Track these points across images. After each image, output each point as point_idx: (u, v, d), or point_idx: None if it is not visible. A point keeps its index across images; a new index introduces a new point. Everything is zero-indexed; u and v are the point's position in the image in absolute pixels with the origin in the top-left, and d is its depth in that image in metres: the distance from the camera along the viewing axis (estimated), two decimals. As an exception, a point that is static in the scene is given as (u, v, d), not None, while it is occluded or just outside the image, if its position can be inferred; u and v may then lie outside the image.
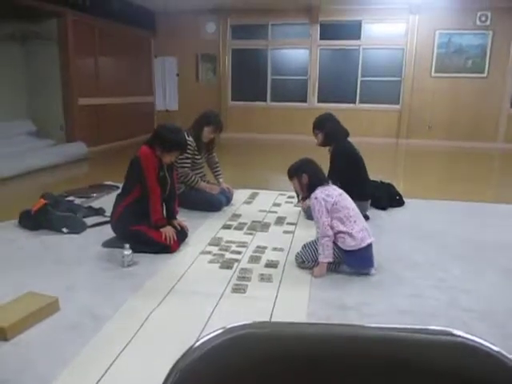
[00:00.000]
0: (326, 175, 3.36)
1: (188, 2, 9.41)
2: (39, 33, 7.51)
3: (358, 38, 9.98)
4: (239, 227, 3.95)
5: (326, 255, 2.88)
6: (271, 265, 3.12)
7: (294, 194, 3.50)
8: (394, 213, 4.47)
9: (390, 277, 2.95)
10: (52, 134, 7.78)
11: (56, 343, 2.12)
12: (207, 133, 4.35)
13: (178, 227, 3.48)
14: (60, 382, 1.83)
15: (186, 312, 2.45)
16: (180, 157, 3.92)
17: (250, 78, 10.82)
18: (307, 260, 3.02)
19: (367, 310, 2.50)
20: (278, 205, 4.73)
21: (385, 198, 4.59)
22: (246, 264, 3.13)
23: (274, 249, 3.43)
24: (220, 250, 3.40)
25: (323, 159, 3.82)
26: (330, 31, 10.09)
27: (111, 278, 2.87)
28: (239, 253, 3.33)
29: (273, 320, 2.35)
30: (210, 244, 3.51)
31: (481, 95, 9.60)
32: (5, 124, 7.15)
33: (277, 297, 2.65)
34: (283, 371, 0.67)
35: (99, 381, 1.84)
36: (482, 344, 0.64)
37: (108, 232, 3.48)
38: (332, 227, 2.92)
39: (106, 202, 4.33)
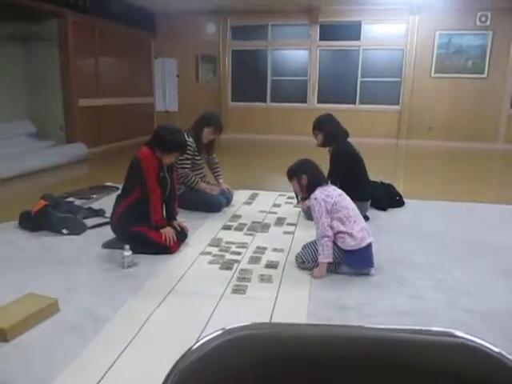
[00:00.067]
0: (326, 176, 3.36)
1: (188, 3, 9.42)
2: (39, 33, 7.51)
3: (358, 38, 9.99)
4: (239, 228, 3.95)
5: (325, 255, 2.88)
6: (271, 265, 3.11)
7: (293, 194, 3.49)
8: (394, 213, 4.47)
9: (390, 277, 2.94)
10: (52, 135, 7.79)
11: (56, 344, 2.11)
12: (207, 134, 4.35)
13: (178, 228, 3.48)
14: (60, 383, 1.83)
15: (186, 313, 2.45)
16: (180, 158, 3.91)
17: (250, 78, 10.83)
18: (307, 260, 3.02)
19: (367, 310, 2.50)
20: (278, 205, 4.73)
21: (385, 198, 4.58)
22: (245, 265, 3.13)
23: (274, 249, 3.43)
24: (220, 250, 3.39)
25: (323, 160, 3.82)
26: (329, 32, 10.09)
27: (111, 278, 2.87)
28: (239, 253, 3.33)
29: (273, 321, 2.34)
30: (209, 245, 3.51)
31: (481, 96, 9.60)
32: (5, 125, 7.15)
33: (277, 297, 2.64)
34: (283, 372, 0.67)
35: (99, 382, 1.84)
36: (482, 345, 0.64)
37: (108, 233, 3.48)
38: (332, 227, 2.92)
39: (106, 203, 4.33)
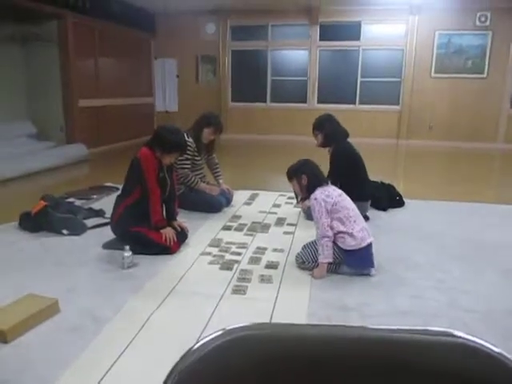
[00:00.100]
0: (326, 176, 3.36)
1: (188, 4, 9.42)
2: (39, 34, 7.51)
3: (358, 38, 9.98)
4: (239, 228, 3.95)
5: (325, 255, 2.88)
6: (271, 266, 3.11)
7: (293, 194, 3.49)
8: (394, 213, 4.47)
9: (391, 277, 2.94)
10: (52, 136, 7.79)
11: (56, 345, 2.11)
12: (207, 134, 4.35)
13: (178, 228, 3.48)
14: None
15: (186, 313, 2.44)
16: (180, 158, 3.92)
17: (250, 79, 10.83)
18: (307, 260, 3.02)
19: (368, 310, 2.50)
20: (278, 206, 4.73)
21: (385, 198, 4.58)
22: (246, 265, 3.13)
23: (274, 250, 3.43)
24: (220, 251, 3.39)
25: (323, 160, 3.82)
26: (329, 32, 10.09)
27: (111, 279, 2.87)
28: (239, 254, 3.33)
29: (273, 321, 2.34)
30: (210, 245, 3.51)
31: (481, 96, 9.60)
32: (5, 126, 7.15)
33: (277, 298, 2.64)
34: (283, 372, 0.67)
35: (99, 382, 1.84)
36: (483, 345, 0.64)
37: (108, 233, 3.48)
38: (332, 228, 2.92)
39: (106, 203, 4.33)
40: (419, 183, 6.15)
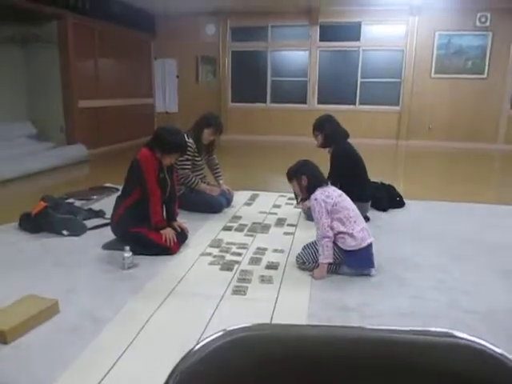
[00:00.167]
0: (326, 177, 3.36)
1: (188, 4, 9.42)
2: (39, 35, 7.51)
3: (358, 39, 9.99)
4: (239, 229, 3.95)
5: (326, 256, 2.88)
6: (272, 266, 3.11)
7: (294, 195, 3.49)
8: (394, 214, 4.47)
9: (391, 278, 2.94)
10: (52, 136, 7.79)
11: (56, 346, 2.11)
12: (207, 135, 4.35)
13: (179, 229, 3.48)
14: (60, 384, 1.83)
15: (187, 314, 2.44)
16: (180, 158, 3.92)
17: (250, 79, 10.83)
18: (308, 261, 3.02)
19: (368, 311, 2.50)
20: (279, 206, 4.73)
21: (385, 199, 4.58)
22: (246, 266, 3.13)
23: (275, 250, 3.43)
24: (220, 251, 3.39)
25: (323, 161, 3.82)
26: (329, 33, 10.09)
27: (111, 280, 2.87)
28: (239, 254, 3.33)
29: (273, 322, 2.34)
30: (210, 246, 3.51)
31: (481, 96, 9.60)
32: (5, 126, 7.15)
33: (277, 298, 2.64)
34: (284, 373, 0.67)
35: (100, 383, 1.84)
36: (485, 346, 0.64)
37: (108, 234, 3.48)
38: (332, 228, 2.92)
39: (107, 204, 4.33)
40: (419, 184, 6.15)
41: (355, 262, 2.94)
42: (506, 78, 9.46)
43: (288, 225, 4.10)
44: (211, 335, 0.66)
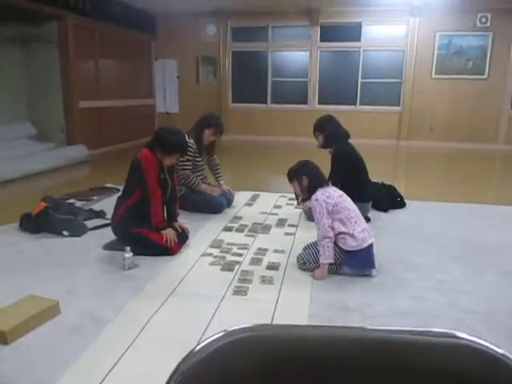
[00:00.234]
0: (327, 177, 3.36)
1: (188, 5, 9.42)
2: (40, 36, 7.51)
3: (359, 39, 9.99)
4: (240, 229, 3.95)
5: (326, 256, 2.88)
6: (272, 267, 3.11)
7: (294, 195, 3.49)
8: (395, 214, 4.46)
9: (392, 278, 2.94)
10: (52, 137, 7.80)
11: (57, 346, 2.11)
12: (208, 135, 4.35)
13: (179, 229, 3.48)
14: (61, 385, 1.83)
15: (187, 314, 2.44)
16: (181, 159, 3.92)
17: (251, 80, 10.83)
18: (308, 261, 3.01)
19: (369, 311, 2.50)
20: (279, 207, 4.73)
21: (386, 199, 4.58)
22: (247, 266, 3.13)
23: (275, 251, 3.42)
24: (221, 252, 3.39)
25: (324, 161, 3.82)
26: (330, 33, 10.10)
27: (112, 280, 2.87)
28: (240, 255, 3.33)
29: (274, 322, 2.34)
30: (211, 246, 3.51)
31: (481, 97, 9.60)
32: (5, 127, 7.16)
33: (278, 299, 2.64)
34: (285, 373, 0.67)
35: (100, 384, 1.84)
36: (487, 347, 0.63)
37: (109, 235, 3.48)
38: (333, 228, 2.92)
39: (107, 204, 4.33)
40: (420, 184, 6.15)
41: (356, 262, 2.94)
42: (506, 79, 9.46)
43: (289, 225, 4.10)
44: (212, 336, 0.66)
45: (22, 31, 7.45)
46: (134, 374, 1.91)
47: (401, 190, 4.91)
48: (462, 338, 0.65)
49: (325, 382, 0.67)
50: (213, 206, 4.38)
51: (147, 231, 3.27)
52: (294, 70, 10.60)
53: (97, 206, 4.47)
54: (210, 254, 3.33)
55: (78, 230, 3.71)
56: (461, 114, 9.75)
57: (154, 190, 3.25)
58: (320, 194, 2.97)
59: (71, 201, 4.60)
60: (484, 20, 9.23)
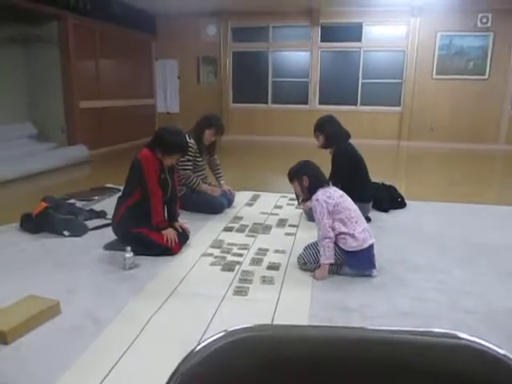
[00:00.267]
0: (328, 177, 3.36)
1: (188, 5, 9.43)
2: (40, 36, 7.52)
3: (359, 40, 9.99)
4: (241, 229, 3.94)
5: (327, 256, 2.88)
6: (273, 267, 3.11)
7: (295, 196, 3.49)
8: (395, 215, 4.46)
9: (392, 279, 2.94)
10: (53, 137, 7.80)
11: (57, 346, 2.11)
12: (208, 135, 4.35)
13: (180, 229, 3.48)
14: (61, 385, 1.83)
15: (188, 315, 2.44)
16: (181, 159, 3.92)
17: (251, 80, 10.83)
18: (309, 262, 3.01)
19: (369, 312, 2.50)
20: (280, 207, 4.72)
21: (386, 199, 4.58)
22: (247, 266, 3.12)
23: (276, 251, 3.42)
24: (221, 252, 3.39)
25: (325, 161, 3.82)
26: (330, 33, 10.10)
27: (112, 280, 2.87)
28: (241, 255, 3.33)
29: (275, 322, 2.34)
30: (211, 246, 3.51)
31: (482, 97, 9.60)
32: (6, 127, 7.16)
33: (278, 299, 2.64)
34: (285, 374, 0.67)
35: (100, 384, 1.84)
36: (487, 347, 0.63)
37: (109, 235, 3.48)
38: (334, 229, 2.91)
39: (108, 204, 4.33)
40: (420, 184, 6.15)
41: (356, 262, 2.94)
42: (507, 79, 9.46)
43: (289, 225, 4.10)
44: (212, 336, 0.66)
45: (22, 31, 7.44)
46: (134, 373, 1.91)
47: (401, 190, 4.91)
48: (463, 339, 0.65)
49: (325, 383, 0.67)
50: (213, 206, 4.38)
51: (148, 231, 3.27)
52: (294, 70, 10.60)
53: (97, 206, 4.47)
54: (211, 254, 3.33)
55: (78, 230, 3.72)
56: (461, 115, 9.74)
57: (155, 189, 3.25)
58: (321, 194, 2.97)
59: (72, 201, 4.60)
60: (485, 20, 9.22)
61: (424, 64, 9.71)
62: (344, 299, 2.63)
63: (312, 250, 3.03)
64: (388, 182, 4.94)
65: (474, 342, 0.64)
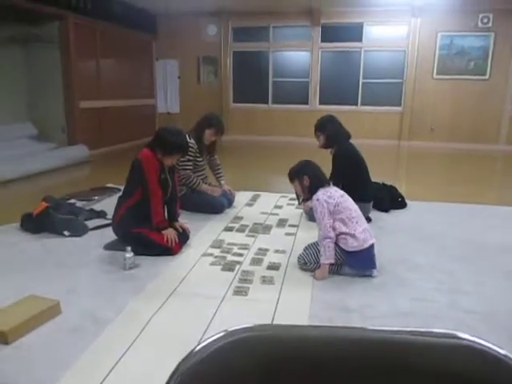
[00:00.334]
0: (328, 177, 3.35)
1: (189, 5, 9.43)
2: (40, 36, 7.52)
3: (360, 40, 9.98)
4: (241, 229, 3.94)
5: (327, 256, 2.88)
6: (273, 267, 3.11)
7: (295, 195, 3.49)
8: (396, 215, 4.46)
9: (392, 279, 2.94)
10: (53, 137, 7.80)
11: (57, 346, 2.11)
12: (209, 135, 4.35)
13: (180, 229, 3.48)
14: (61, 385, 1.83)
15: (188, 314, 2.44)
16: (182, 159, 3.92)
17: (252, 80, 10.83)
18: (309, 262, 3.01)
19: (369, 312, 2.49)
20: (280, 207, 4.72)
21: (387, 199, 4.58)
22: (247, 266, 3.12)
23: (276, 251, 3.42)
24: (222, 252, 3.39)
25: (325, 161, 3.81)
26: (331, 33, 10.09)
27: (113, 280, 2.87)
28: (241, 255, 3.33)
29: (275, 322, 2.34)
30: (211, 246, 3.51)
31: (483, 97, 9.59)
32: (6, 127, 7.16)
33: (279, 299, 2.64)
34: (285, 374, 0.67)
35: (101, 384, 1.84)
36: (488, 347, 0.63)
37: (110, 235, 3.48)
38: (334, 229, 2.91)
39: (108, 204, 4.33)
40: (421, 185, 6.15)
41: (357, 262, 2.94)
42: (508, 79, 9.45)
43: (289, 225, 4.10)
44: (212, 336, 0.66)
45: (23, 31, 7.45)
46: (134, 373, 1.91)
47: (402, 190, 4.91)
48: (464, 339, 0.65)
49: (325, 383, 0.67)
50: (213, 206, 4.38)
51: (148, 231, 3.27)
52: (295, 70, 10.60)
53: (98, 206, 4.47)
54: (211, 254, 3.33)
55: (78, 230, 3.72)
56: (462, 115, 9.74)
57: (155, 190, 3.25)
58: (321, 194, 2.97)
59: (72, 201, 4.60)
60: (486, 20, 9.22)
61: (425, 64, 9.71)
62: (344, 299, 2.63)
63: (312, 250, 3.03)
64: (388, 182, 4.93)
65: (475, 342, 0.64)
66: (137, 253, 3.07)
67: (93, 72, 8.39)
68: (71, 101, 7.83)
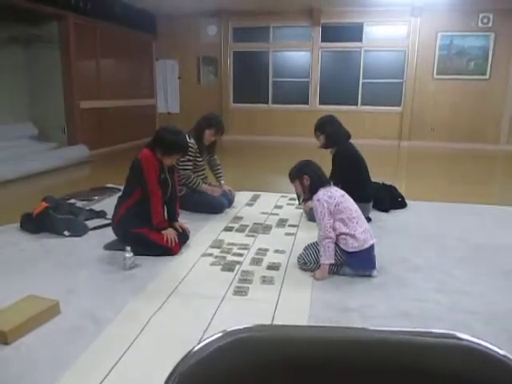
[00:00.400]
0: (328, 177, 3.35)
1: (189, 5, 9.42)
2: (41, 36, 7.52)
3: (360, 40, 9.98)
4: (241, 229, 3.94)
5: (327, 257, 2.87)
6: (273, 267, 3.11)
7: (295, 195, 3.49)
8: (396, 215, 4.46)
9: (392, 279, 2.94)
10: (54, 137, 7.80)
11: (57, 346, 2.11)
12: (208, 135, 4.35)
13: (180, 229, 3.48)
14: (61, 385, 1.83)
15: (188, 315, 2.44)
16: (181, 159, 3.92)
17: (252, 80, 10.83)
18: (309, 262, 3.01)
19: (369, 312, 2.49)
20: (280, 207, 4.72)
21: (387, 199, 4.58)
22: (247, 266, 3.12)
23: (276, 251, 3.42)
24: (222, 252, 3.39)
25: (325, 161, 3.81)
26: (331, 33, 10.09)
27: (112, 280, 2.87)
28: (241, 255, 3.33)
29: (274, 322, 2.34)
30: (211, 246, 3.50)
31: (483, 97, 9.59)
32: (6, 127, 7.16)
33: (278, 299, 2.64)
34: (285, 374, 0.67)
35: (100, 384, 1.83)
36: (488, 348, 0.63)
37: (109, 235, 3.48)
38: (334, 229, 2.91)
39: (108, 204, 4.33)
40: (421, 185, 6.15)
41: (357, 263, 2.94)
42: (508, 79, 9.45)
43: (289, 225, 4.10)
44: (212, 336, 0.66)
45: (23, 31, 7.45)
46: (134, 374, 1.91)
47: (402, 190, 4.91)
48: (463, 339, 0.64)
49: (325, 383, 0.66)
50: (213, 206, 4.38)
51: (148, 231, 3.27)
52: (295, 71, 10.59)
53: (97, 206, 4.47)
54: (211, 254, 3.33)
55: (78, 230, 3.71)
56: (462, 115, 9.74)
57: (155, 190, 3.25)
58: (322, 194, 2.97)
59: (72, 201, 4.60)
60: (486, 20, 9.22)
61: (425, 64, 9.71)
62: (344, 299, 2.63)
63: (312, 250, 3.03)
64: (388, 182, 4.93)
65: (474, 342, 0.64)
66: (136, 253, 3.07)
67: (93, 72, 8.39)
68: (71, 101, 7.83)
